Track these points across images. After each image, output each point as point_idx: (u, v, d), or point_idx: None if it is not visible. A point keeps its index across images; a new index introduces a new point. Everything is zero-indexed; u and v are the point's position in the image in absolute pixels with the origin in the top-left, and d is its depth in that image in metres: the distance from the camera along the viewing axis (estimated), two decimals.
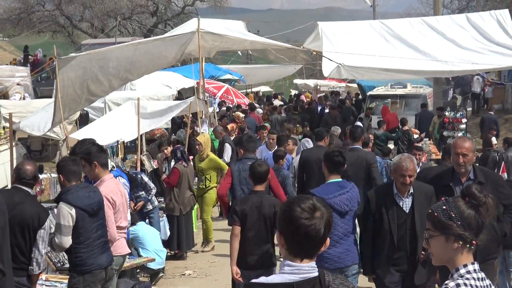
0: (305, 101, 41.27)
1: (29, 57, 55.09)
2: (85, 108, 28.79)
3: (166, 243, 14.76)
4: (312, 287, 3.86)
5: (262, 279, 3.89)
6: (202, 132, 19.28)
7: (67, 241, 8.41)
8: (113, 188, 9.25)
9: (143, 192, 14.81)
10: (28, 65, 49.40)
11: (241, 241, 9.37)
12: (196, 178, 16.12)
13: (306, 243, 3.87)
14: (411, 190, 8.47)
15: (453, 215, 4.22)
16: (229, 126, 24.07)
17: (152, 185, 14.86)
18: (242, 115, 27.38)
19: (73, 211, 8.38)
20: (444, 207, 4.27)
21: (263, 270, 9.01)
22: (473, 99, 40.92)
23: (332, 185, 9.02)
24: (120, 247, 9.42)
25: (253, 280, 3.90)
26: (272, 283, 3.86)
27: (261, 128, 20.42)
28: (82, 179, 9.06)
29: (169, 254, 14.85)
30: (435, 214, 4.27)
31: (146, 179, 14.81)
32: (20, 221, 8.21)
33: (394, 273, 8.48)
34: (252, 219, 9.35)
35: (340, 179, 9.15)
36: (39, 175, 9.17)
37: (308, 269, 3.87)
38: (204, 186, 16.07)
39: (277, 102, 40.19)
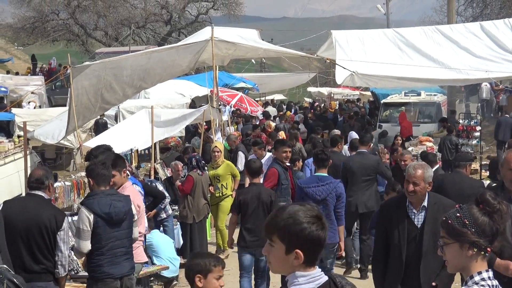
0: (320, 108, 41.35)
1: (38, 66, 55.38)
2: (99, 116, 28.99)
3: (179, 251, 14.77)
4: None
5: None
6: (216, 140, 19.28)
7: (85, 245, 8.46)
8: (136, 193, 9.36)
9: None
10: (41, 74, 49.62)
11: (243, 223, 11.54)
12: (211, 187, 16.07)
13: (318, 252, 3.86)
14: (425, 203, 7.84)
15: (467, 222, 4.20)
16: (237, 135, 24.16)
17: (166, 194, 14.84)
18: (273, 124, 27.30)
19: (92, 217, 8.44)
20: (458, 214, 4.26)
21: (261, 249, 9.28)
22: (484, 106, 40.92)
23: (313, 178, 11.44)
24: (139, 255, 9.51)
25: None
26: None
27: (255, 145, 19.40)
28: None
29: (182, 262, 14.86)
30: (449, 221, 4.25)
31: (161, 187, 14.80)
32: (37, 225, 8.28)
33: None
34: (253, 205, 11.45)
35: (324, 174, 11.39)
36: (54, 183, 9.19)
37: (319, 275, 3.86)
38: (220, 194, 16.07)
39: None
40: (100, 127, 27.90)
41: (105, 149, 9.79)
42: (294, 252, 3.78)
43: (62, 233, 8.41)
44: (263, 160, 16.08)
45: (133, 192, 9.49)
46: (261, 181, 12.71)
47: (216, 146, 16.49)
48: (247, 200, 11.51)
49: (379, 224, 8.25)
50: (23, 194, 16.46)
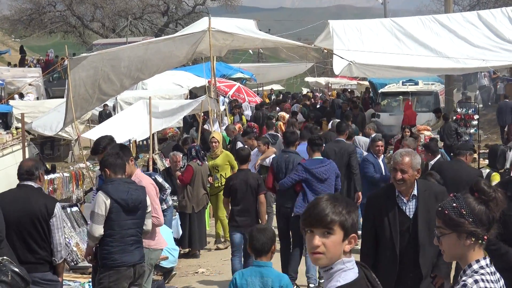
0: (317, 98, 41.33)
1: (35, 58, 55.34)
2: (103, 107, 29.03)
3: (178, 241, 14.79)
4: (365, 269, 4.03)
5: (342, 282, 3.87)
6: (214, 131, 19.28)
7: (97, 229, 8.50)
8: (150, 181, 9.49)
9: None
10: (38, 66, 49.54)
11: (233, 206, 12.58)
12: (210, 177, 16.07)
13: None
14: (415, 192, 7.49)
15: (464, 212, 4.21)
16: (237, 127, 24.09)
17: (166, 185, 14.82)
18: (287, 115, 27.19)
19: (108, 202, 8.50)
20: (454, 204, 4.26)
21: (250, 227, 10.44)
22: (483, 93, 40.98)
23: (316, 160, 12.52)
24: (159, 242, 9.75)
25: (337, 286, 3.87)
26: (355, 280, 3.89)
27: (244, 135, 19.12)
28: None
29: (181, 252, 14.90)
30: (446, 211, 4.26)
31: (160, 179, 14.74)
32: (28, 215, 8.35)
33: None
34: (242, 190, 12.43)
35: (321, 157, 12.72)
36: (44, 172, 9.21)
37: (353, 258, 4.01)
38: (219, 184, 16.05)
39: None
40: (104, 118, 27.94)
41: (109, 140, 9.85)
42: (350, 238, 3.94)
43: (54, 219, 8.46)
44: (253, 151, 16.37)
45: (147, 180, 9.58)
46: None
47: (213, 137, 16.48)
48: (236, 185, 12.54)
49: (367, 216, 7.73)
50: None
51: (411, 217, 7.40)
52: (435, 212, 4.37)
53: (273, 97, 48.46)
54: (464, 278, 4.18)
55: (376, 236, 7.51)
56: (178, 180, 15.66)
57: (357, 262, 3.99)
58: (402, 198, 7.45)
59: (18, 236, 8.24)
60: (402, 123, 27.79)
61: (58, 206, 8.68)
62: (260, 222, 12.44)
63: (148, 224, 9.06)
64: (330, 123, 23.46)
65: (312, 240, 3.91)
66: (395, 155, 7.61)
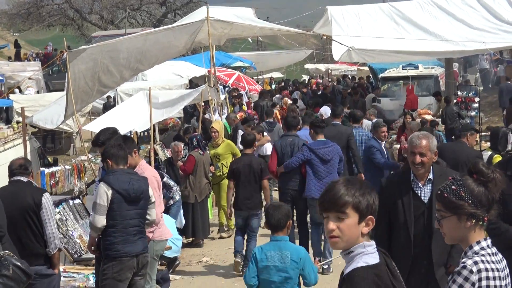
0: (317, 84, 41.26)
1: (34, 51, 55.25)
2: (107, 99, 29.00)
3: (181, 231, 14.79)
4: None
5: (362, 264, 3.88)
6: (215, 120, 19.26)
7: (100, 220, 8.50)
8: (154, 172, 9.49)
9: (164, 190, 14.38)
10: (37, 59, 49.48)
11: (237, 189, 12.93)
12: (211, 167, 16.04)
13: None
14: (430, 176, 7.23)
15: (463, 194, 4.22)
16: (239, 116, 24.03)
17: (172, 182, 14.80)
18: (289, 101, 27.13)
19: (110, 192, 8.51)
20: (453, 187, 4.27)
21: (253, 211, 12.81)
22: (483, 75, 40.95)
23: (320, 142, 12.90)
24: (166, 232, 9.82)
25: (358, 266, 3.87)
26: (376, 264, 3.90)
27: (244, 123, 19.29)
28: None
29: (185, 242, 14.91)
30: (445, 194, 4.27)
31: (165, 178, 14.61)
32: (17, 209, 8.40)
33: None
34: (245, 173, 12.86)
35: (324, 139, 13.05)
36: (55, 167, 9.29)
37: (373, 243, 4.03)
38: (221, 173, 16.05)
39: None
40: (108, 110, 27.88)
41: (112, 132, 9.84)
42: (367, 220, 3.95)
43: (44, 210, 8.52)
44: None
45: (150, 172, 9.59)
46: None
47: (212, 127, 16.48)
48: (239, 169, 12.95)
49: (381, 201, 7.13)
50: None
51: (426, 202, 7.15)
52: (435, 196, 4.39)
53: (273, 85, 48.33)
54: (464, 259, 4.18)
55: (390, 221, 7.27)
56: (180, 171, 15.64)
57: (378, 248, 4.01)
58: (417, 182, 7.21)
59: (11, 231, 8.24)
60: (404, 107, 27.82)
61: (45, 196, 8.72)
62: (260, 207, 13.03)
63: (152, 214, 9.05)
64: (322, 108, 23.42)
65: (327, 224, 3.94)
66: (412, 138, 7.33)
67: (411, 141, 7.29)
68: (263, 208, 12.73)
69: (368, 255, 3.92)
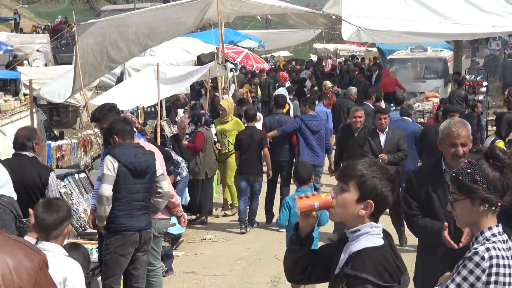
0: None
1: (43, 24, 55.08)
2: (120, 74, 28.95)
3: (186, 208, 14.80)
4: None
5: (370, 244, 3.89)
6: (226, 97, 19.18)
7: (106, 188, 8.50)
8: (156, 150, 9.46)
9: (171, 167, 14.36)
10: (46, 32, 49.37)
11: (240, 156, 14.77)
12: (217, 144, 16.02)
13: (383, 210, 4.05)
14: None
15: (478, 178, 4.19)
16: (243, 92, 23.97)
17: (180, 158, 14.77)
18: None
19: (116, 164, 8.49)
20: (469, 170, 4.24)
21: (254, 176, 14.84)
22: (492, 59, 40.83)
23: (310, 115, 15.14)
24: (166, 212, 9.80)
25: (368, 246, 3.88)
26: (381, 246, 3.91)
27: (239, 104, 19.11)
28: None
29: (189, 219, 14.94)
30: (460, 177, 4.24)
31: (172, 154, 14.58)
32: (22, 186, 8.23)
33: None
34: (247, 143, 14.68)
35: (314, 113, 15.38)
36: (61, 141, 9.24)
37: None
38: (227, 151, 16.05)
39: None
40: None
41: (109, 108, 9.70)
42: (366, 202, 3.91)
43: (49, 189, 8.52)
44: None
45: (153, 148, 9.57)
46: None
47: (220, 104, 16.54)
48: (243, 139, 14.78)
49: (412, 194, 6.71)
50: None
51: None
52: (450, 179, 4.37)
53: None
54: (476, 245, 4.16)
55: (424, 214, 6.63)
56: (188, 149, 15.56)
57: (383, 231, 4.01)
58: (450, 172, 6.17)
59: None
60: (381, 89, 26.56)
61: (52, 175, 8.71)
62: (261, 173, 15.18)
63: (164, 186, 9.03)
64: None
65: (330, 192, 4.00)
66: (451, 128, 6.64)
67: (450, 131, 6.65)
68: (264, 174, 15.23)
69: (375, 235, 3.92)
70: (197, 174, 15.25)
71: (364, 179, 3.90)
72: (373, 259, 3.82)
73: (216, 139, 15.94)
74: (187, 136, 15.94)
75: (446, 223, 6.30)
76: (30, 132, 8.91)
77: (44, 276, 3.31)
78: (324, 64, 41.68)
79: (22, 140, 8.64)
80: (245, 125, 15.97)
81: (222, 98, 18.80)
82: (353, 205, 3.91)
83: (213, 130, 15.95)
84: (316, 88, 27.84)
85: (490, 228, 4.20)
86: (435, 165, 6.80)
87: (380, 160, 12.05)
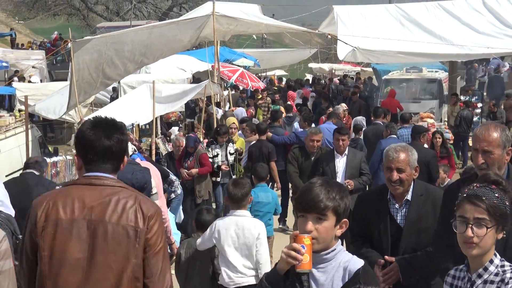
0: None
1: (38, 40, 55.08)
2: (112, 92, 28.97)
3: (180, 226, 14.72)
4: None
5: (355, 258, 4.00)
6: (230, 116, 19.06)
7: None
8: (153, 168, 9.42)
9: (165, 185, 14.18)
10: (42, 48, 49.39)
11: (252, 167, 14.17)
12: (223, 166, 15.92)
13: None
14: (408, 196, 6.27)
15: (507, 203, 3.98)
16: (247, 113, 24.00)
17: (174, 177, 14.64)
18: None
19: None
20: (497, 194, 3.98)
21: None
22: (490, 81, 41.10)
23: (305, 131, 15.47)
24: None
25: (362, 261, 3.98)
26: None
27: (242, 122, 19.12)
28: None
29: (183, 237, 14.85)
30: (494, 202, 3.95)
31: (170, 175, 14.42)
32: (30, 200, 8.22)
33: None
34: (256, 155, 15.28)
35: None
36: (56, 157, 9.36)
37: None
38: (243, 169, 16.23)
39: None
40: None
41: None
42: (342, 222, 4.00)
43: None
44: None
45: (150, 167, 9.53)
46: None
47: (233, 123, 16.94)
48: (253, 151, 15.49)
49: (356, 217, 6.40)
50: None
51: (402, 226, 6.25)
52: (474, 201, 3.98)
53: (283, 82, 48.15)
54: (506, 275, 3.97)
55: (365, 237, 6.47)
56: (202, 174, 15.23)
57: None
58: (394, 203, 6.30)
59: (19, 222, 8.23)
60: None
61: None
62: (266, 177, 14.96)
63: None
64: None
65: (306, 225, 3.92)
66: (388, 151, 6.35)
67: (387, 154, 6.34)
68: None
69: (344, 252, 4.03)
70: (203, 196, 15.10)
71: (337, 204, 3.94)
72: (373, 272, 4.01)
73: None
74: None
75: (381, 261, 6.18)
76: (42, 158, 9.06)
77: (160, 220, 4.51)
78: (323, 82, 41.94)
79: (36, 161, 8.77)
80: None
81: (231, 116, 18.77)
82: (333, 229, 3.97)
83: (218, 150, 15.68)
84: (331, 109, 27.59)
85: (495, 255, 4.05)
86: (382, 191, 6.44)
87: (348, 187, 11.48)
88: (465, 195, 4.04)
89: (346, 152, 12.18)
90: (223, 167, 15.45)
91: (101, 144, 4.48)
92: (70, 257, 4.32)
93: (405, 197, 6.25)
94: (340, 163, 12.13)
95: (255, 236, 7.82)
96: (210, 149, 15.48)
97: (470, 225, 3.96)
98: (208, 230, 8.10)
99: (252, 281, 7.84)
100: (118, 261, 4.32)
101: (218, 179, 15.48)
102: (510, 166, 5.58)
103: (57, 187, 8.79)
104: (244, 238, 7.85)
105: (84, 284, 4.31)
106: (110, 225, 4.34)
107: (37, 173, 8.76)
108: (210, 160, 15.34)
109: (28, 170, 8.76)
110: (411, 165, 6.22)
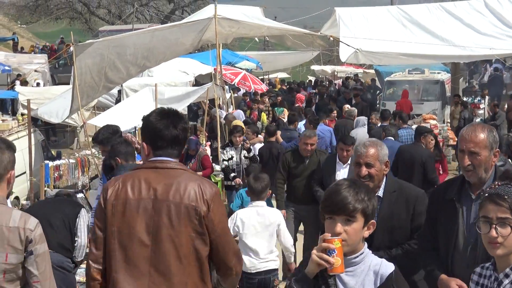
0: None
1: (41, 44, 55.13)
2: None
3: None
4: None
5: (388, 262, 4.00)
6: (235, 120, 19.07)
7: None
8: None
9: None
10: (45, 52, 49.43)
11: (262, 168, 14.41)
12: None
13: None
14: (379, 192, 6.21)
15: None
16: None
17: None
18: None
19: None
20: None
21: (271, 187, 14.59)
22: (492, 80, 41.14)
23: None
24: None
25: (391, 266, 3.99)
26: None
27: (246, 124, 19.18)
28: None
29: None
30: None
31: None
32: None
33: None
34: (266, 156, 15.53)
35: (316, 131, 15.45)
36: (58, 161, 9.48)
37: None
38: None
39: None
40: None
41: (112, 132, 9.76)
42: (370, 223, 4.01)
43: (79, 223, 8.81)
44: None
45: None
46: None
47: (243, 127, 16.69)
48: (263, 152, 15.75)
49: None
50: (27, 172, 16.54)
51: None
52: (496, 201, 3.94)
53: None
54: None
55: None
56: (203, 175, 15.25)
57: None
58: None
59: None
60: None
61: (82, 212, 9.00)
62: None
63: None
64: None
65: (335, 227, 3.90)
66: (357, 147, 6.32)
67: (355, 149, 6.31)
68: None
69: (371, 255, 4.02)
70: None
71: (366, 205, 3.92)
72: (402, 276, 3.96)
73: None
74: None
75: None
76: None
77: (218, 200, 5.02)
78: (325, 84, 41.94)
79: (67, 194, 9.22)
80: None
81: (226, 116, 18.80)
82: (361, 231, 3.95)
83: (232, 152, 15.62)
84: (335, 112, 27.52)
85: None
86: None
87: None
88: (486, 194, 3.99)
89: (349, 161, 11.26)
90: (237, 180, 15.23)
91: (170, 133, 5.08)
92: (137, 233, 4.90)
93: (377, 194, 6.12)
94: (342, 172, 11.45)
95: (276, 223, 8.68)
96: (224, 151, 15.43)
97: (494, 225, 3.92)
98: (229, 221, 8.42)
99: (271, 265, 8.70)
100: (180, 236, 4.87)
101: (230, 183, 15.51)
102: (498, 168, 5.52)
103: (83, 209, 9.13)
104: (265, 226, 8.68)
105: (151, 256, 4.88)
106: (173, 204, 4.89)
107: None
108: (225, 162, 15.36)
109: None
110: (380, 160, 6.12)
